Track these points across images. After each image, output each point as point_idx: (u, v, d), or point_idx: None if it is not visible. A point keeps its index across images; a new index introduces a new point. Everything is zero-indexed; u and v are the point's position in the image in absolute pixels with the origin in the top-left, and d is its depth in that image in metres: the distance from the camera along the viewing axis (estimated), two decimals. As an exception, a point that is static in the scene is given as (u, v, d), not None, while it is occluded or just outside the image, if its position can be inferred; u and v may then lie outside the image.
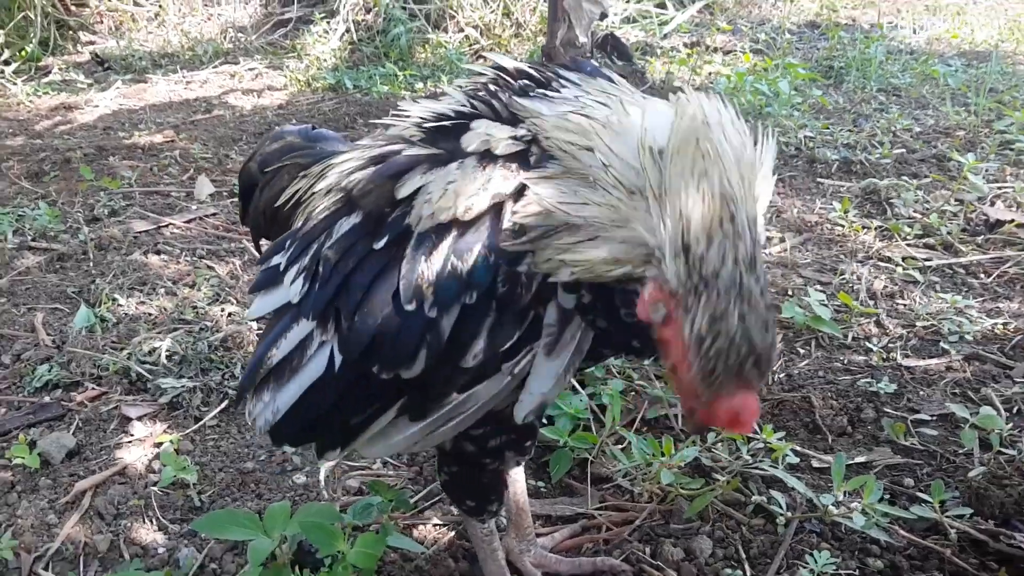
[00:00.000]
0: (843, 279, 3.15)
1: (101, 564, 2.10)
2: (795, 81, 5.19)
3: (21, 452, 2.37)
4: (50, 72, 7.81)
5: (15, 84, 7.39)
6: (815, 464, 2.21)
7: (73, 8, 9.47)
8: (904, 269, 3.21)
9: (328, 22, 8.19)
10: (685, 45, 7.02)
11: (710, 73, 6.08)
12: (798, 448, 2.26)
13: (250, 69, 7.66)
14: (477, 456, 1.64)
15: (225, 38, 8.76)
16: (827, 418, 2.38)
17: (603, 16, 5.45)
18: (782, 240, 3.59)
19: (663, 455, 2.12)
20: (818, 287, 3.09)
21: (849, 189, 4.04)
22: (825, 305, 2.87)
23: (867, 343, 2.75)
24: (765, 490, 2.12)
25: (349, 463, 2.42)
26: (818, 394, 2.46)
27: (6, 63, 7.77)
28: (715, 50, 6.84)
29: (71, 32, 9.11)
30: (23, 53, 8.11)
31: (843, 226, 3.64)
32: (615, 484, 2.24)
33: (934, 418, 2.35)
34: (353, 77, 6.92)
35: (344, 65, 7.58)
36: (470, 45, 7.88)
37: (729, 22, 7.63)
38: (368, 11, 8.34)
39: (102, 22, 9.48)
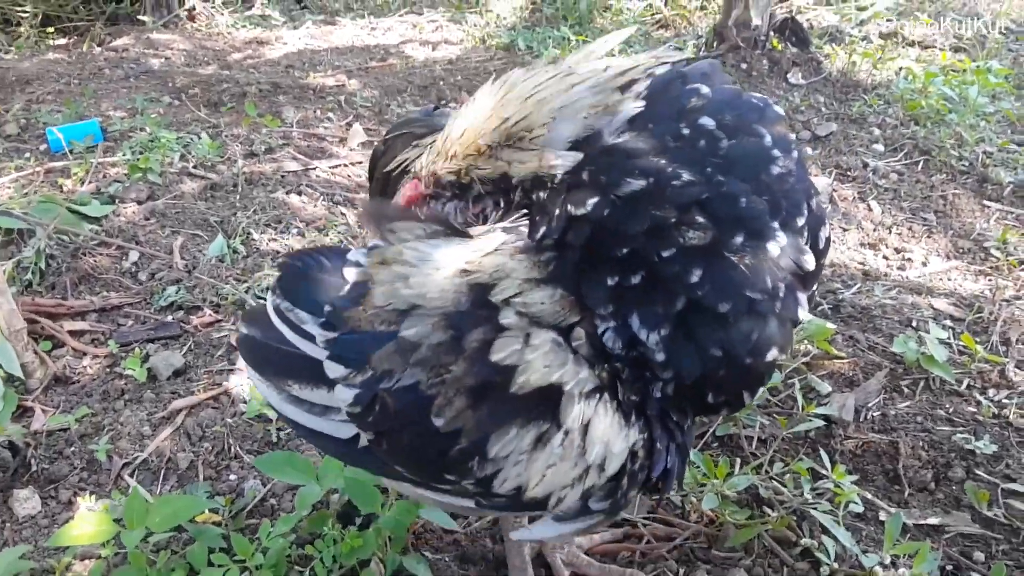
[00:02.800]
0: (978, 316, 2.87)
1: (178, 480, 2.30)
2: (991, 89, 4.71)
3: (133, 364, 2.62)
4: (253, 6, 8.33)
5: (222, 15, 7.98)
6: (882, 516, 2.06)
7: (285, -56, 10.02)
8: (1054, 317, 2.89)
9: (515, -22, 8.25)
10: (881, 35, 6.51)
11: (900, 68, 5.63)
12: (869, 496, 2.11)
13: (431, 21, 7.86)
14: None
15: (416, -14, 9.02)
16: (910, 469, 2.21)
17: (783, -1, 5.14)
18: (924, 263, 3.31)
19: (716, 477, 2.04)
20: (947, 322, 2.84)
21: (1018, 217, 3.65)
22: (947, 344, 2.63)
23: (981, 394, 2.50)
24: (819, 533, 2.00)
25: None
26: (908, 441, 2.28)
27: (219, -7, 8.37)
28: (912, 43, 6.31)
29: (279, -32, 9.64)
30: (233, -16, 8.69)
31: (997, 258, 3.30)
32: (667, 496, 2.18)
33: (1029, 492, 2.13)
34: (527, 38, 6.94)
35: (522, 25, 7.61)
36: (652, 14, 7.68)
37: (937, 14, 6.98)
38: (556, -30, 8.31)
39: (309, -41, 9.97)
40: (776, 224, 1.24)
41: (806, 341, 2.63)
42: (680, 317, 1.20)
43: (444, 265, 1.29)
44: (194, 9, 7.96)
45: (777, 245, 1.22)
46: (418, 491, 1.45)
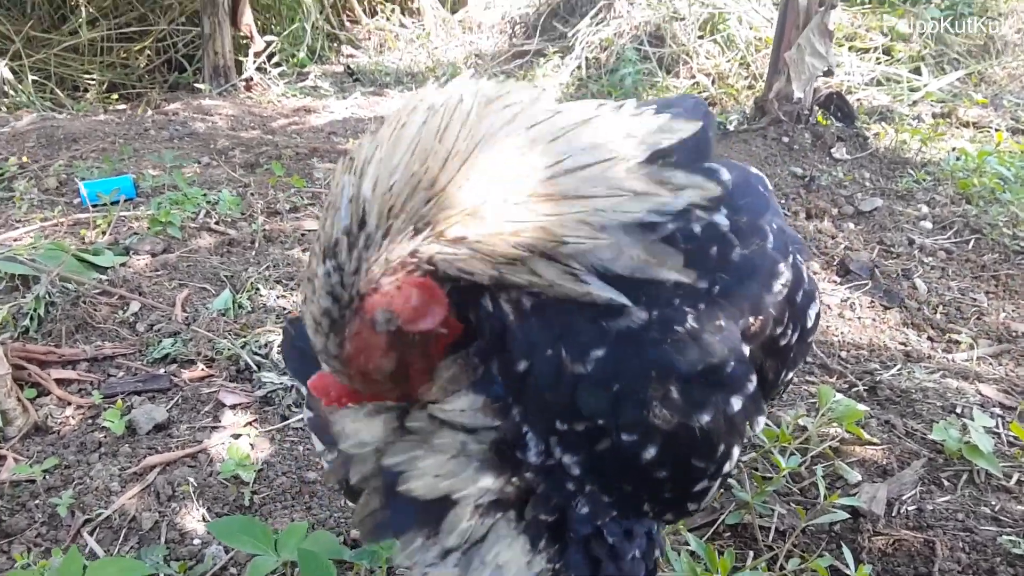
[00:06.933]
0: (1032, 406, 2.59)
1: (139, 541, 2.14)
2: (1050, 168, 4.46)
3: (112, 417, 2.50)
4: (307, 78, 8.53)
5: (277, 85, 8.18)
6: (911, 626, 1.79)
7: (347, 24, 10.37)
8: (1119, 409, 2.58)
9: (562, 57, 8.32)
10: (933, 115, 6.31)
11: (952, 148, 5.40)
12: (897, 601, 1.85)
13: (479, 97, 7.90)
14: None
15: (466, 63, 9.15)
16: (948, 573, 1.93)
17: (828, 73, 5.01)
18: (972, 347, 3.04)
19: (719, 571, 1.80)
20: (996, 410, 2.57)
21: (1080, 301, 3.37)
22: (994, 433, 2.36)
23: (1033, 491, 2.22)
24: (836, 642, 1.74)
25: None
26: (946, 540, 2.00)
27: (276, 65, 8.61)
28: (966, 124, 6.09)
29: (337, 45, 9.93)
30: (293, 60, 8.94)
31: (1055, 343, 3.02)
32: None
33: (1085, 608, 1.83)
34: (572, 111, 6.89)
35: (568, 99, 7.61)
36: (699, 92, 7.62)
37: (993, 97, 6.77)
38: (604, 49, 8.36)
39: (369, 39, 10.27)
40: (752, 378, 1.12)
41: (835, 423, 2.39)
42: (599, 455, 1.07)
43: None
44: (251, 79, 8.18)
45: (740, 401, 1.10)
46: None
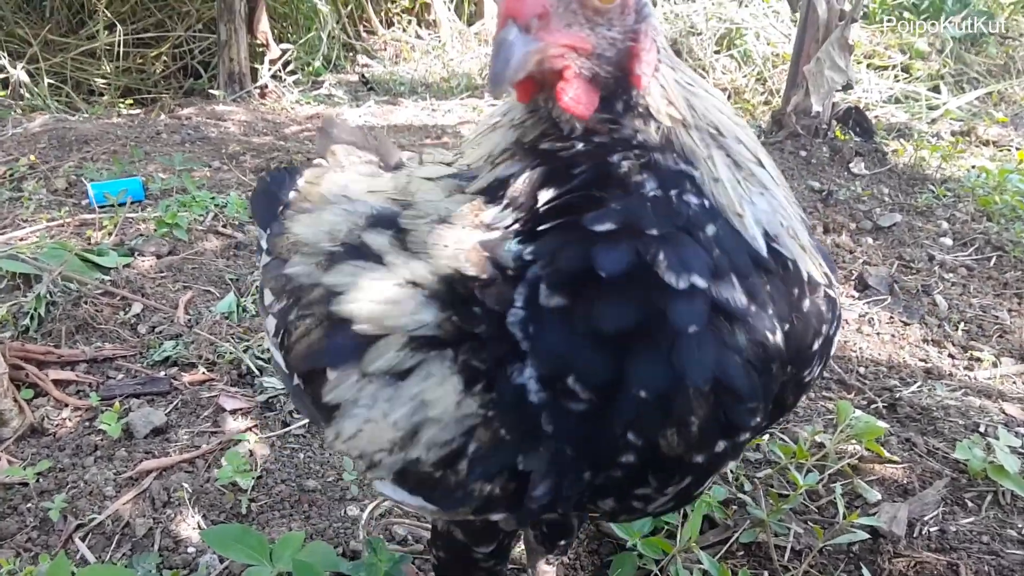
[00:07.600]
0: (1059, 427, 2.50)
1: (132, 548, 2.07)
2: (1073, 186, 4.37)
3: (108, 420, 2.44)
4: (322, 86, 8.52)
5: (292, 92, 8.17)
6: (934, 655, 1.70)
7: (363, 34, 10.38)
8: None
9: (575, 68, 8.28)
10: (952, 133, 6.22)
11: (972, 166, 5.32)
12: (919, 628, 1.76)
13: (492, 104, 7.88)
14: (467, 546, 1.39)
15: (481, 75, 9.12)
16: (972, 598, 1.84)
17: (847, 87, 4.94)
18: (995, 364, 2.95)
19: (732, 591, 1.72)
20: (1020, 430, 2.47)
21: (1107, 321, 3.27)
22: (1020, 453, 2.27)
23: (1062, 515, 2.13)
24: (855, 670, 1.65)
25: (403, 508, 2.23)
26: (970, 563, 1.91)
27: (291, 72, 8.61)
28: (986, 143, 6.00)
29: (353, 54, 9.94)
30: (309, 68, 8.94)
31: (1082, 363, 2.93)
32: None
33: (1121, 639, 1.74)
34: (584, 123, 6.84)
35: (581, 110, 7.56)
36: (714, 107, 7.55)
37: (1015, 115, 6.68)
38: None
39: (384, 49, 10.28)
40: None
41: (854, 440, 2.31)
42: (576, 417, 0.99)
43: (355, 198, 1.17)
44: (266, 87, 8.16)
45: (724, 444, 1.06)
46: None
